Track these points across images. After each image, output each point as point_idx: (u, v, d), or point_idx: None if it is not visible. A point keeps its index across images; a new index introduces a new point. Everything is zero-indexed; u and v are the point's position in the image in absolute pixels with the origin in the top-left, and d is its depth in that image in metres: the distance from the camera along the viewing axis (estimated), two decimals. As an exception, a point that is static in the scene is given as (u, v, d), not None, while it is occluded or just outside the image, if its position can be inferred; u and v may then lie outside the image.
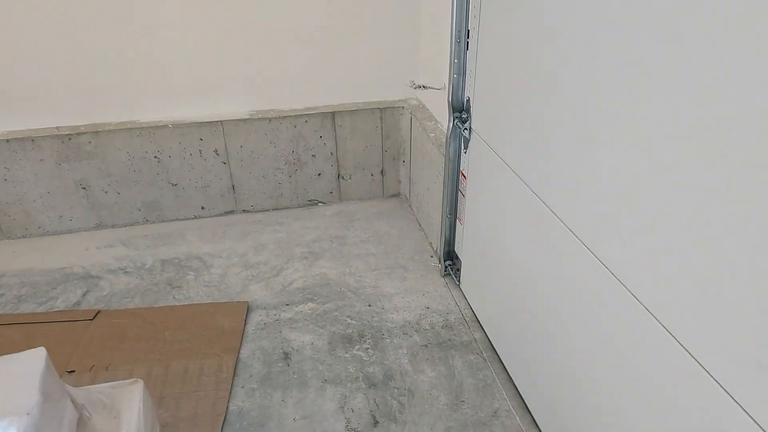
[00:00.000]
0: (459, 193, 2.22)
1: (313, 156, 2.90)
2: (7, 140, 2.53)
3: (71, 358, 1.98)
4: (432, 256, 2.57)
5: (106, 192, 2.74)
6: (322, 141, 2.87)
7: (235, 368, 1.96)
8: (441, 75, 2.31)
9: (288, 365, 1.98)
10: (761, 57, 0.79)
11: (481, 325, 2.13)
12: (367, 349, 2.04)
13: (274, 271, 2.49)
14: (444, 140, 2.18)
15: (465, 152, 2.09)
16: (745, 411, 0.90)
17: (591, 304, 1.33)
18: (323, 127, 2.83)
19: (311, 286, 2.39)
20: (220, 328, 2.13)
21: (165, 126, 2.66)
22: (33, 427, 1.05)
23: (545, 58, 1.40)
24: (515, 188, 1.66)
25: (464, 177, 2.13)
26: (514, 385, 1.86)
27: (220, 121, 2.70)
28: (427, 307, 2.25)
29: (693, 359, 1.00)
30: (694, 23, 0.90)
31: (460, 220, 2.26)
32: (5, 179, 2.61)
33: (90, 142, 2.61)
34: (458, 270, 2.34)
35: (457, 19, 1.88)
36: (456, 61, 1.95)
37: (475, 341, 2.06)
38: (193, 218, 2.91)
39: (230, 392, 1.86)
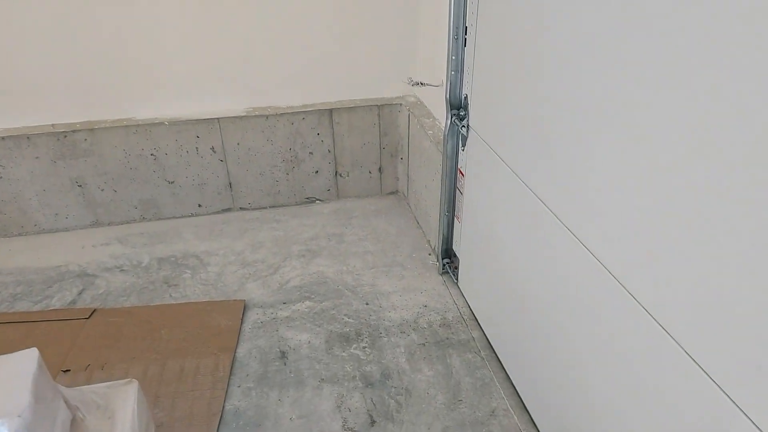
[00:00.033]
0: (457, 190, 2.20)
1: (311, 153, 2.88)
2: (3, 138, 2.51)
3: (67, 357, 1.96)
4: (430, 254, 2.56)
5: (102, 190, 2.73)
6: (320, 138, 2.85)
7: (231, 367, 1.95)
8: (439, 72, 2.29)
9: (285, 364, 1.97)
10: (760, 56, 0.78)
11: (479, 324, 2.12)
12: (365, 347, 2.03)
13: (271, 269, 2.48)
14: (442, 137, 2.16)
15: (463, 150, 2.07)
16: (743, 412, 0.89)
17: (589, 303, 1.32)
18: (320, 125, 2.82)
19: (308, 285, 2.37)
20: (217, 326, 2.12)
21: (161, 123, 2.64)
22: (25, 428, 1.04)
23: (543, 55, 1.38)
24: (513, 186, 1.65)
25: (462, 175, 2.11)
26: (512, 384, 1.85)
27: (217, 119, 2.69)
28: (425, 306, 2.24)
29: (690, 359, 0.99)
30: (693, 21, 0.89)
31: (458, 218, 2.25)
32: (0, 177, 2.59)
33: (86, 139, 2.59)
34: (456, 268, 2.33)
35: (454, 15, 1.86)
36: (454, 58, 1.94)
37: (473, 340, 2.05)
38: (189, 216, 2.90)
39: (226, 391, 1.85)
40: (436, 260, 2.50)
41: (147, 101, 2.63)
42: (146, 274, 2.46)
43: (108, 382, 1.38)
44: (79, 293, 2.34)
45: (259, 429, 1.73)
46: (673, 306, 1.02)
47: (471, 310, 2.19)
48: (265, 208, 2.97)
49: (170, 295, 2.32)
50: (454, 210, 2.28)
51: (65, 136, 2.57)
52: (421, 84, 2.39)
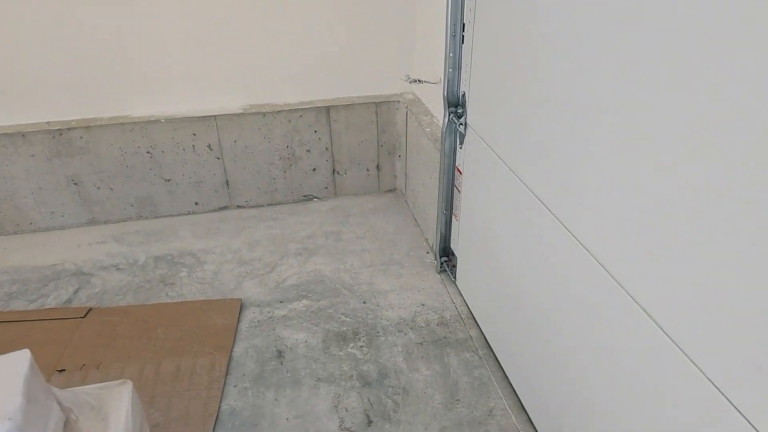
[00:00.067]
0: (455, 189, 2.19)
1: (308, 151, 2.87)
2: (-3, 135, 2.50)
3: (62, 356, 1.95)
4: (428, 252, 2.55)
5: (98, 188, 2.71)
6: (317, 136, 2.84)
7: (227, 367, 1.93)
8: (437, 69, 2.27)
9: (281, 364, 1.96)
10: (760, 55, 0.76)
11: (477, 323, 2.10)
12: (362, 347, 2.02)
13: (268, 268, 2.47)
14: (440, 135, 2.15)
15: (460, 148, 2.06)
16: (741, 413, 0.88)
17: (586, 303, 1.30)
18: (318, 122, 2.80)
19: (305, 283, 2.36)
20: (213, 325, 2.10)
21: (157, 121, 2.62)
22: (16, 431, 1.03)
23: (541, 53, 1.37)
24: (510, 185, 1.64)
25: (460, 173, 2.10)
26: (510, 383, 1.84)
27: (214, 116, 2.67)
28: (423, 304, 2.22)
29: (688, 360, 0.98)
30: (692, 20, 0.87)
31: (455, 216, 2.23)
32: (-5, 175, 2.58)
33: (81, 137, 2.58)
34: (454, 266, 2.32)
35: (452, 12, 1.85)
36: (451, 55, 1.92)
37: (471, 339, 2.04)
38: (186, 214, 2.88)
39: (222, 391, 1.84)
40: (434, 258, 2.48)
41: (143, 98, 2.61)
42: (142, 273, 2.44)
43: (101, 383, 1.37)
44: (75, 292, 2.33)
45: (255, 429, 1.72)
46: (671, 306, 1.01)
47: (469, 308, 2.18)
48: (262, 206, 2.96)
49: (166, 294, 2.31)
50: (452, 208, 2.26)
51: (61, 134, 2.55)
52: (419, 81, 2.38)
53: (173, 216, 2.87)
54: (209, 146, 2.73)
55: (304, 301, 2.25)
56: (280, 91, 2.73)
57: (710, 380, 0.94)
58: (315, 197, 3.02)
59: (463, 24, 1.85)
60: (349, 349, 2.01)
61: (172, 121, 2.64)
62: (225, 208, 2.92)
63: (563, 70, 1.27)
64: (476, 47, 1.78)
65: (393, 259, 2.51)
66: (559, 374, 1.49)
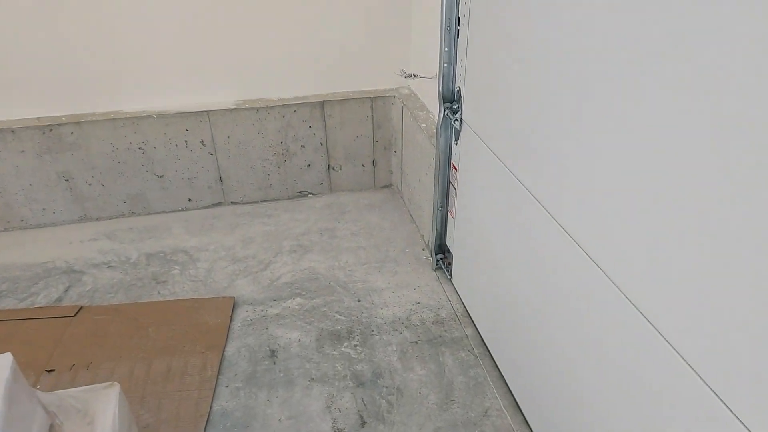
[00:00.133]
0: (450, 185, 2.16)
1: (303, 146, 2.83)
2: (-14, 131, 2.46)
3: (51, 356, 1.92)
4: (424, 249, 2.52)
5: (89, 184, 2.68)
6: (312, 131, 2.80)
7: (219, 366, 1.91)
8: (432, 64, 2.23)
9: (274, 363, 1.93)
10: (760, 54, 0.73)
11: (472, 321, 2.08)
12: (356, 346, 2.00)
13: (261, 265, 2.44)
14: (435, 131, 2.12)
15: (456, 144, 2.03)
16: (736, 416, 0.86)
17: (581, 303, 1.28)
18: (312, 117, 2.76)
19: (299, 281, 2.33)
20: (205, 324, 2.07)
21: (149, 116, 2.58)
22: (-4, 438, 1.00)
23: (537, 48, 1.33)
24: (505, 182, 1.61)
25: (455, 169, 2.07)
26: (506, 383, 1.81)
27: (207, 111, 2.63)
28: (418, 303, 2.20)
29: (684, 362, 0.96)
30: (692, 19, 0.84)
31: (451, 213, 2.20)
32: (-15, 171, 2.54)
33: (72, 132, 2.54)
34: (450, 264, 2.29)
35: (447, 5, 1.81)
36: (446, 49, 1.89)
37: (467, 338, 2.02)
38: (179, 210, 2.85)
39: (214, 392, 1.81)
40: (429, 256, 2.45)
41: (134, 93, 2.57)
42: (134, 271, 2.41)
43: (88, 386, 1.34)
44: (66, 290, 2.29)
45: (247, 430, 1.69)
46: (668, 308, 0.99)
47: (465, 306, 2.15)
48: (256, 202, 2.93)
49: (158, 292, 2.28)
50: (447, 205, 2.23)
51: (51, 130, 2.51)
52: (414, 76, 2.34)
53: (166, 213, 2.83)
54: (202, 142, 2.69)
55: (298, 299, 2.22)
56: (274, 86, 2.70)
57: (705, 382, 0.92)
58: (310, 193, 2.98)
59: (459, 18, 1.81)
60: (343, 348, 1.98)
61: (165, 117, 2.60)
62: (218, 204, 2.89)
63: (559, 64, 1.24)
64: (471, 41, 1.75)
65: (388, 257, 2.48)
66: (555, 374, 1.46)
